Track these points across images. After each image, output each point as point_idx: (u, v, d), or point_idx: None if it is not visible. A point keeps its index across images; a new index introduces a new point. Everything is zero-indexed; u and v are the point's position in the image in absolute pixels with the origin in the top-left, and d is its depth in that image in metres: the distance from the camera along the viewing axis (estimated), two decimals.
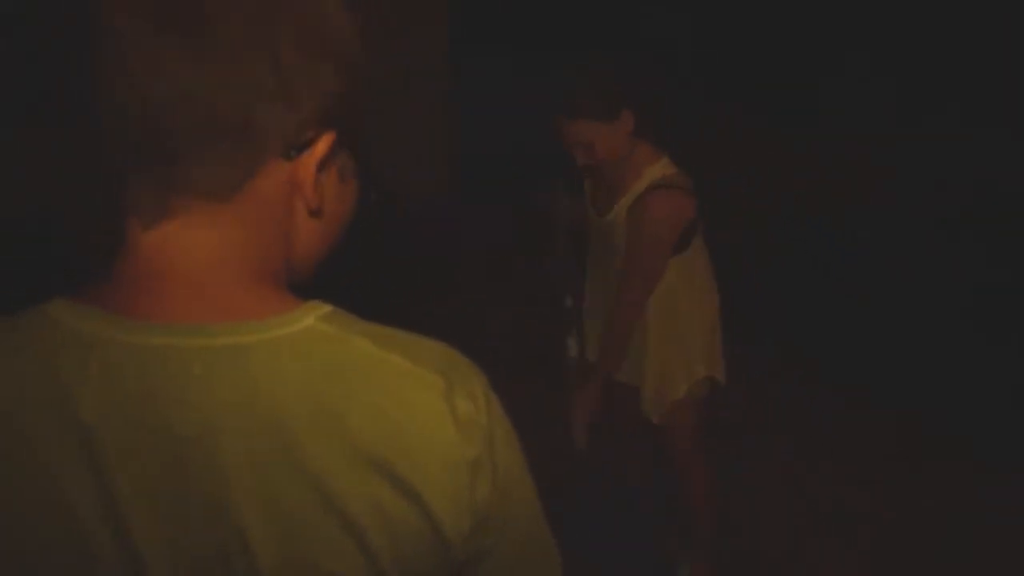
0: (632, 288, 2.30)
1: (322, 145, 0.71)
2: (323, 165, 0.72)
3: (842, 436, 3.55)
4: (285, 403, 0.66)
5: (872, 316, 4.28)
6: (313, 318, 0.70)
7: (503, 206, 4.79)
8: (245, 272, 0.71)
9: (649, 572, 2.80)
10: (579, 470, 2.52)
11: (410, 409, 0.69)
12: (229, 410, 0.65)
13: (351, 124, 0.74)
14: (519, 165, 4.47)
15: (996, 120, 5.93)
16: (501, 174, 5.07)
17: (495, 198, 5.40)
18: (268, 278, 0.73)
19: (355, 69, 0.73)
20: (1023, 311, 4.14)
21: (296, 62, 0.67)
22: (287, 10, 0.68)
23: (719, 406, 2.72)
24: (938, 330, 4.08)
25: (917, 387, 3.68)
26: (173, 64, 0.64)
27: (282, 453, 0.66)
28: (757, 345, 3.73)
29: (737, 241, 4.17)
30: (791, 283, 4.57)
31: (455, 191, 6.19)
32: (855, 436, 3.55)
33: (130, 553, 0.65)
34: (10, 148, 5.23)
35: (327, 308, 0.71)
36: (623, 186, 2.28)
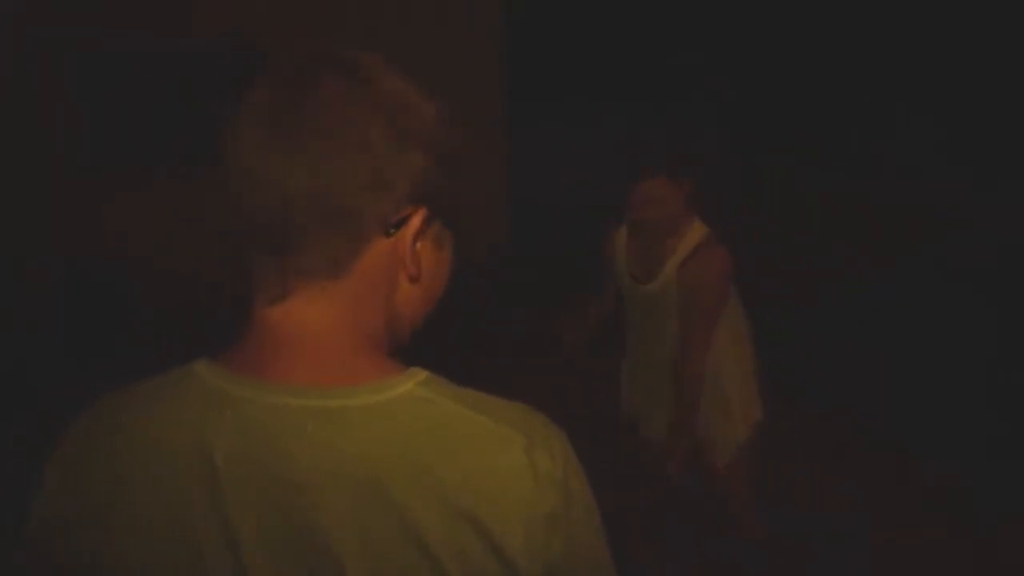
0: (699, 343, 2.41)
1: (416, 220, 0.81)
2: (418, 237, 0.82)
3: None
4: (384, 458, 0.75)
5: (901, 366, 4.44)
6: (412, 383, 0.79)
7: (555, 256, 4.85)
8: (355, 340, 0.81)
9: None
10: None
11: (495, 465, 0.76)
12: (335, 463, 0.74)
13: (442, 198, 0.83)
14: (571, 216, 4.66)
15: None
16: (553, 224, 5.22)
17: (547, 248, 5.43)
18: (374, 345, 0.83)
19: (441, 149, 0.82)
20: None
21: (387, 152, 0.78)
22: (377, 107, 0.79)
23: None
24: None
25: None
26: (284, 167, 0.76)
27: (380, 503, 0.74)
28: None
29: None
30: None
31: (507, 242, 6.32)
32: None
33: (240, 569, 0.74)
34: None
35: (425, 374, 0.81)
36: (667, 249, 2.43)
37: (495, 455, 0.77)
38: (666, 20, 7.69)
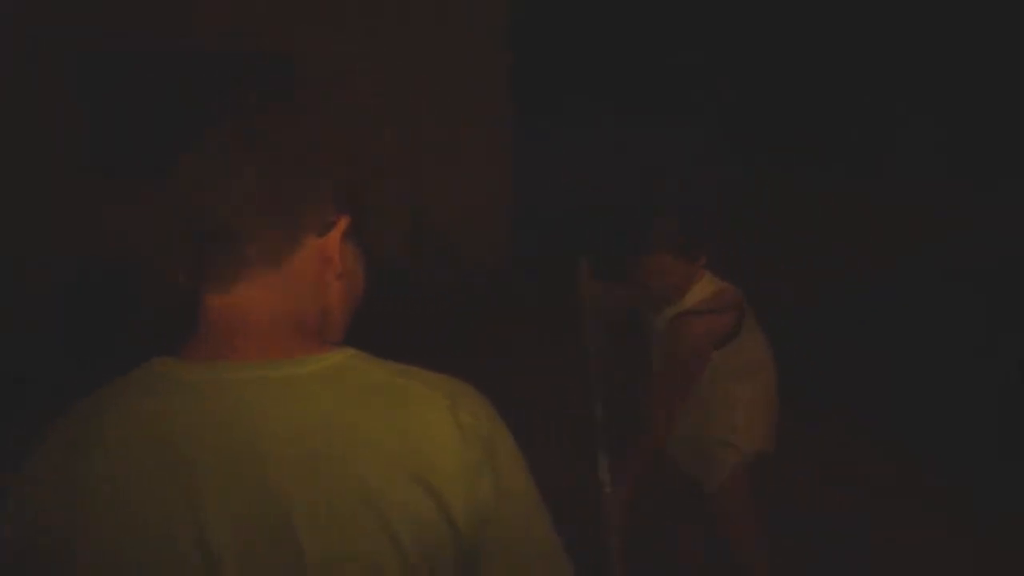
0: (662, 401, 2.45)
1: (341, 225, 0.97)
2: (343, 239, 0.98)
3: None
4: (329, 420, 0.87)
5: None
6: (347, 355, 0.92)
7: (556, 264, 4.92)
8: (292, 325, 0.94)
9: None
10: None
11: (425, 420, 0.88)
12: (290, 430, 0.86)
13: (362, 208, 1.00)
14: (573, 225, 4.68)
15: None
16: (555, 233, 5.25)
17: (548, 256, 5.50)
18: (310, 331, 0.96)
19: (366, 168, 1.00)
20: None
21: (323, 171, 0.95)
22: (314, 131, 0.97)
23: None
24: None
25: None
26: (233, 177, 0.92)
27: (330, 459, 0.85)
28: None
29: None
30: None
31: (508, 249, 6.36)
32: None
33: (209, 554, 0.84)
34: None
35: (353, 350, 0.94)
36: (671, 298, 2.48)
37: (423, 412, 0.89)
38: (668, 20, 7.70)
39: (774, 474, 3.15)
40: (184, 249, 0.94)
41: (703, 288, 2.47)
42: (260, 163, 0.92)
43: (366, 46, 6.49)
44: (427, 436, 0.88)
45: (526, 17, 6.15)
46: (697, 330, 2.42)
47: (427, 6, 6.76)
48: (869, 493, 3.50)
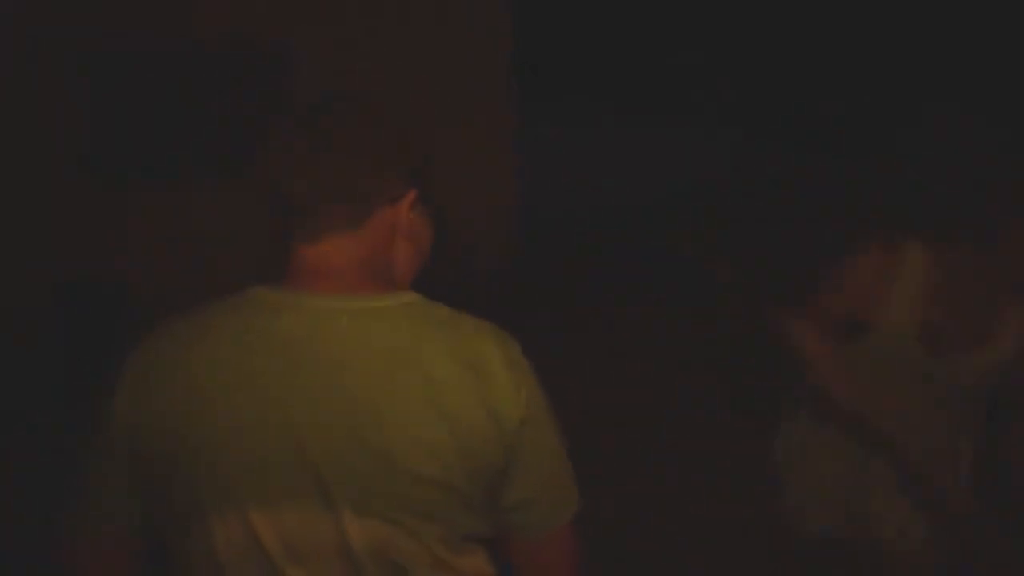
0: None
1: (410, 197, 1.19)
2: (411, 208, 1.20)
3: None
4: (401, 337, 1.11)
5: None
6: (410, 297, 1.17)
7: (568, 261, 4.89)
8: (366, 272, 1.16)
9: None
10: None
11: (478, 350, 1.13)
12: (366, 343, 1.11)
13: (426, 185, 1.22)
14: (583, 223, 4.65)
15: None
16: (565, 230, 5.25)
17: (555, 256, 5.47)
18: (380, 276, 1.18)
19: (427, 152, 1.23)
20: None
21: (390, 155, 1.17)
22: (379, 123, 1.18)
23: None
24: None
25: None
26: (314, 165, 1.13)
27: (400, 368, 1.09)
28: None
29: None
30: None
31: (518, 247, 6.38)
32: None
33: (295, 437, 1.08)
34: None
35: (418, 295, 1.18)
36: (1007, 311, 2.01)
37: (477, 342, 1.14)
38: (671, 20, 7.71)
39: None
40: (275, 219, 1.15)
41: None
42: (330, 159, 1.12)
43: (366, 46, 6.50)
44: (480, 359, 1.12)
45: (530, 17, 6.14)
46: None
47: (426, 6, 6.76)
48: None
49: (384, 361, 1.09)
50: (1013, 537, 2.31)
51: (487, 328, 1.17)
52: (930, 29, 7.21)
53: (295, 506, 1.08)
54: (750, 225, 6.92)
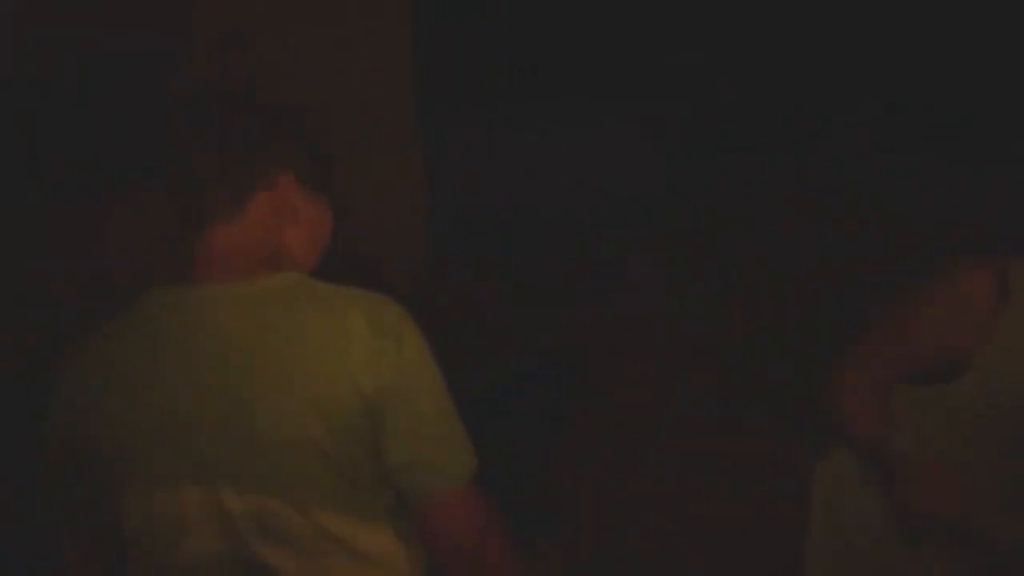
0: None
1: (286, 179, 1.30)
2: (296, 192, 1.31)
3: None
4: (273, 322, 1.20)
5: None
6: (287, 277, 1.26)
7: (480, 266, 4.84)
8: (252, 258, 1.26)
9: None
10: None
11: (343, 323, 1.20)
12: (244, 328, 1.21)
13: (308, 167, 1.32)
14: (498, 225, 4.56)
15: None
16: (477, 233, 5.16)
17: (473, 258, 5.42)
18: (264, 260, 1.28)
19: (304, 137, 1.32)
20: None
21: (260, 141, 1.28)
22: (253, 114, 1.29)
23: None
24: None
25: None
26: (193, 158, 1.26)
27: (273, 351, 1.19)
28: None
29: None
30: None
31: (421, 252, 6.28)
32: None
33: (180, 424, 1.20)
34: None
35: (298, 274, 1.27)
36: None
37: (344, 314, 1.20)
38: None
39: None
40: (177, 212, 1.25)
41: None
42: (205, 149, 1.24)
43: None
44: (344, 331, 1.19)
45: (432, 16, 6.02)
46: None
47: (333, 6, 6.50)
48: None
49: (260, 341, 1.19)
50: None
51: (361, 297, 1.24)
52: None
53: (186, 488, 1.21)
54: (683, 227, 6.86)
